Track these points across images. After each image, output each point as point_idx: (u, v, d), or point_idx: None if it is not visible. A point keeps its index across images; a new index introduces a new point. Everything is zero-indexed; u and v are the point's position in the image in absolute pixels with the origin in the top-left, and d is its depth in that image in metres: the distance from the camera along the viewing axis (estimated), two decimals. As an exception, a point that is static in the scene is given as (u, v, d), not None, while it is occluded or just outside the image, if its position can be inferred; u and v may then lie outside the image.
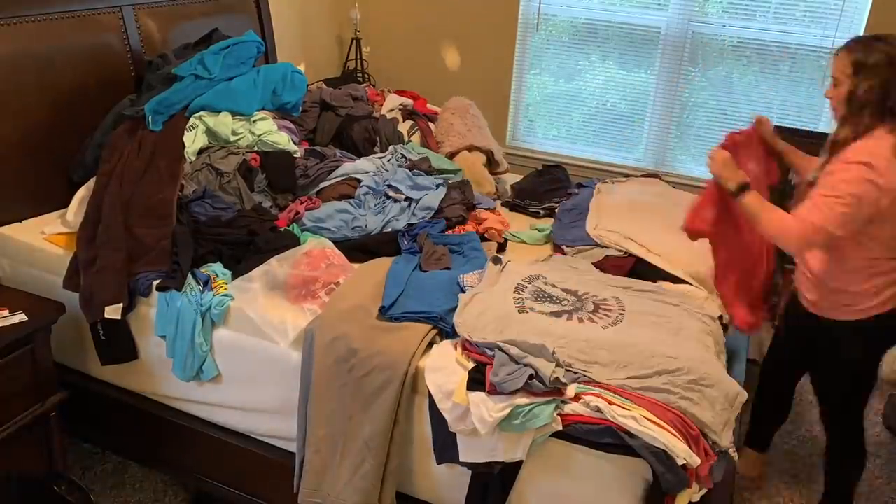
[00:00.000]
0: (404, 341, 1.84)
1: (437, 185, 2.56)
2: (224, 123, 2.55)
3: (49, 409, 2.11)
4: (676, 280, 2.24)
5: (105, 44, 2.64)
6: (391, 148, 2.86)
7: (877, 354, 2.12)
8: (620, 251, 2.36)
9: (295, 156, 2.65)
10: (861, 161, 1.81)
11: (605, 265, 2.29)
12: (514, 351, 1.72)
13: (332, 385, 1.86)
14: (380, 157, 2.75)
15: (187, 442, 2.26)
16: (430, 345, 1.88)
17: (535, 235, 2.58)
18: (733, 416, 1.73)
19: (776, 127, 3.40)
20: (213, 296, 2.03)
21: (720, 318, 2.10)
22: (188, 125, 2.50)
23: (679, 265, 2.27)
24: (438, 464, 1.81)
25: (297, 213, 2.42)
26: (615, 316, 1.95)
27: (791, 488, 2.63)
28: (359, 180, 2.58)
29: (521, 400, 1.62)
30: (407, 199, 2.47)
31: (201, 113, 2.54)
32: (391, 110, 3.30)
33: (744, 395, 1.75)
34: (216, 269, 2.14)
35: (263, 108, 2.75)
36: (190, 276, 2.11)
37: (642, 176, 3.16)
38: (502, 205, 2.96)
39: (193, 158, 2.46)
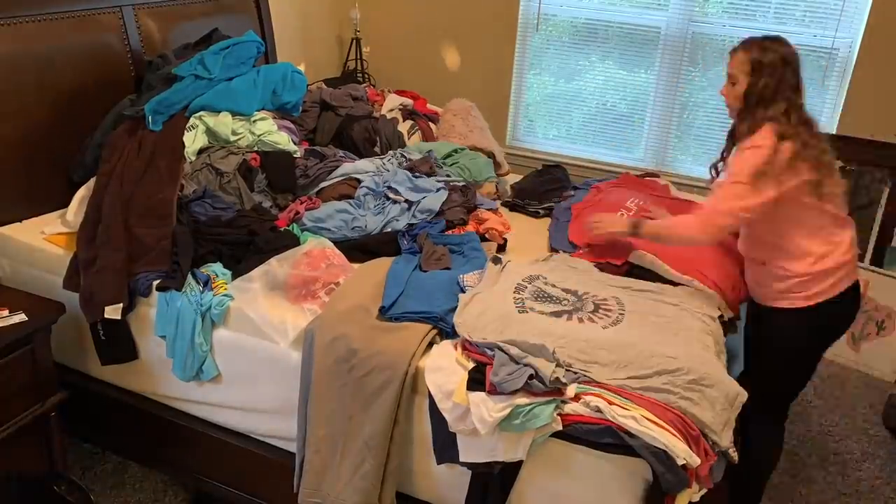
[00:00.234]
0: (404, 341, 1.84)
1: (438, 189, 2.56)
2: (224, 123, 2.55)
3: (49, 409, 2.11)
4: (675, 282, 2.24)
5: (105, 44, 2.64)
6: (392, 152, 2.86)
7: (814, 346, 2.16)
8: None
9: (295, 156, 2.65)
10: (752, 146, 1.97)
11: (604, 265, 2.29)
12: (514, 351, 1.72)
13: (332, 385, 1.86)
14: (380, 158, 2.75)
15: (187, 442, 2.26)
16: (431, 345, 1.88)
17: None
18: (733, 415, 1.73)
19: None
20: (213, 296, 2.03)
21: (720, 317, 2.10)
22: (188, 125, 2.50)
23: (676, 266, 2.27)
24: (438, 464, 1.81)
25: (297, 213, 2.42)
26: (615, 316, 1.95)
27: (791, 488, 2.63)
28: (359, 180, 2.58)
29: (522, 400, 1.63)
30: (406, 201, 2.47)
31: (201, 113, 2.54)
32: (391, 110, 3.30)
33: (744, 395, 1.75)
34: (216, 269, 2.14)
35: (263, 108, 2.75)
36: (190, 276, 2.11)
37: (642, 175, 3.16)
38: (502, 205, 2.97)
39: (193, 158, 2.46)
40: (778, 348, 2.14)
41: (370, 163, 2.66)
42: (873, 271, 3.36)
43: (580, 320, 1.91)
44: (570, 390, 1.66)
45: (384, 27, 4.39)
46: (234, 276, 2.11)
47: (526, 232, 2.68)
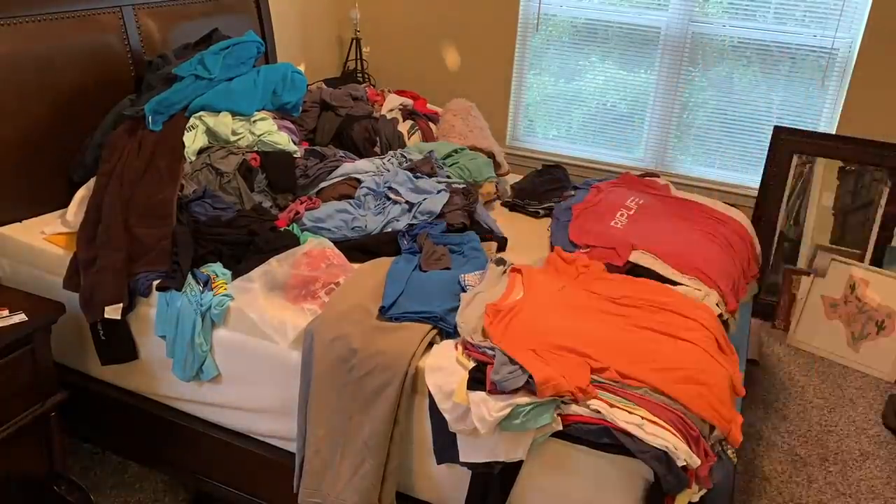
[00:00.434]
0: (404, 341, 1.84)
1: (439, 191, 2.55)
2: (224, 123, 2.56)
3: (49, 409, 2.11)
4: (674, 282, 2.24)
5: (105, 44, 2.64)
6: (391, 153, 2.85)
7: None
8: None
9: (295, 156, 2.65)
10: None
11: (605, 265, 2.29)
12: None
13: (332, 385, 1.86)
14: (380, 158, 2.75)
15: (187, 442, 2.26)
16: (431, 345, 1.88)
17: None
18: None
19: (776, 127, 3.42)
20: (213, 296, 2.03)
21: (719, 315, 2.10)
22: (188, 125, 2.50)
23: (676, 267, 2.28)
24: (438, 464, 1.81)
25: (297, 213, 2.41)
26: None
27: (791, 487, 2.63)
28: (359, 180, 2.58)
29: (522, 399, 1.62)
30: (407, 202, 2.47)
31: (201, 113, 2.54)
32: (391, 110, 3.30)
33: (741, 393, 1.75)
34: (216, 269, 2.14)
35: (263, 109, 2.75)
36: (190, 276, 2.11)
37: (642, 175, 3.16)
38: (502, 205, 2.97)
39: (193, 158, 2.46)
40: None
41: (370, 163, 2.66)
42: (873, 271, 3.36)
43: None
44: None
45: (384, 27, 4.39)
46: (234, 276, 2.11)
47: (526, 232, 2.68)
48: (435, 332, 1.91)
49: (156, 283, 2.11)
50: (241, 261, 2.15)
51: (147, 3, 2.79)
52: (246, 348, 2.03)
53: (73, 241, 2.24)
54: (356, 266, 2.18)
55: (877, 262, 3.44)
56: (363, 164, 2.65)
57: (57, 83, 2.46)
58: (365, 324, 1.89)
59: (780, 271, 3.55)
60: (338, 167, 2.62)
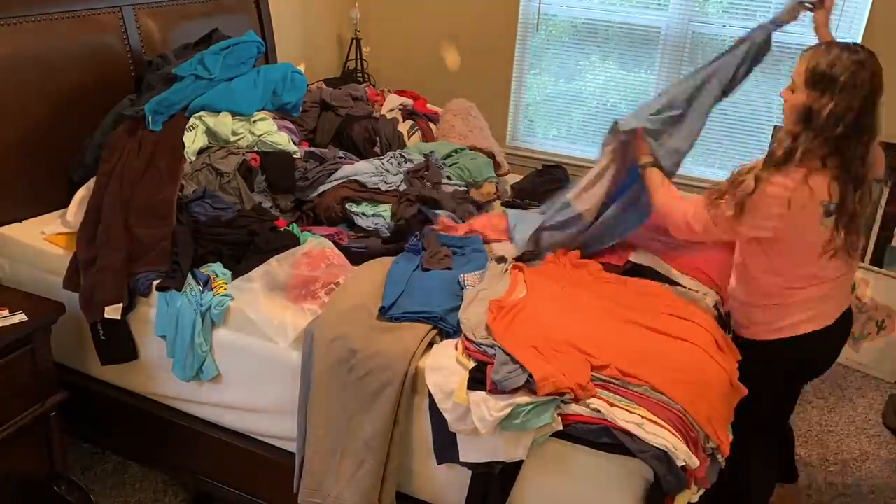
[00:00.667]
0: (404, 341, 1.84)
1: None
2: (224, 123, 2.55)
3: (49, 409, 2.11)
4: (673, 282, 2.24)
5: (105, 44, 2.64)
6: (390, 153, 2.83)
7: (775, 387, 2.03)
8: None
9: (295, 156, 2.65)
10: (773, 184, 1.78)
11: (605, 265, 2.28)
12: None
13: (332, 385, 1.86)
14: (380, 159, 2.75)
15: (187, 442, 2.26)
16: (431, 345, 1.88)
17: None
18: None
19: (776, 127, 3.41)
20: (213, 296, 2.03)
21: (718, 315, 2.10)
22: (188, 125, 2.50)
23: (675, 266, 2.28)
24: (439, 464, 1.81)
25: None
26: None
27: (791, 488, 2.63)
28: (359, 182, 2.56)
29: (522, 399, 1.62)
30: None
31: (201, 113, 2.54)
32: (391, 110, 3.30)
33: (743, 391, 1.75)
34: (216, 269, 2.14)
35: (263, 109, 2.75)
36: (190, 276, 2.11)
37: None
38: (502, 205, 2.97)
39: (193, 158, 2.46)
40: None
41: (370, 164, 2.65)
42: (873, 271, 3.36)
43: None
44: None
45: (384, 27, 4.39)
46: (234, 276, 2.11)
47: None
48: (435, 332, 1.91)
49: (156, 283, 2.11)
50: (241, 261, 2.15)
51: (147, 3, 2.79)
52: (246, 348, 2.03)
53: (73, 241, 2.24)
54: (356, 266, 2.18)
55: (877, 262, 3.44)
56: (363, 165, 2.64)
57: (57, 83, 2.46)
58: (365, 324, 1.89)
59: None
60: (337, 169, 2.60)
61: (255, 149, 2.60)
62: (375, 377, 1.81)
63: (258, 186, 2.50)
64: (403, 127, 3.20)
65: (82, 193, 2.38)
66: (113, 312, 2.07)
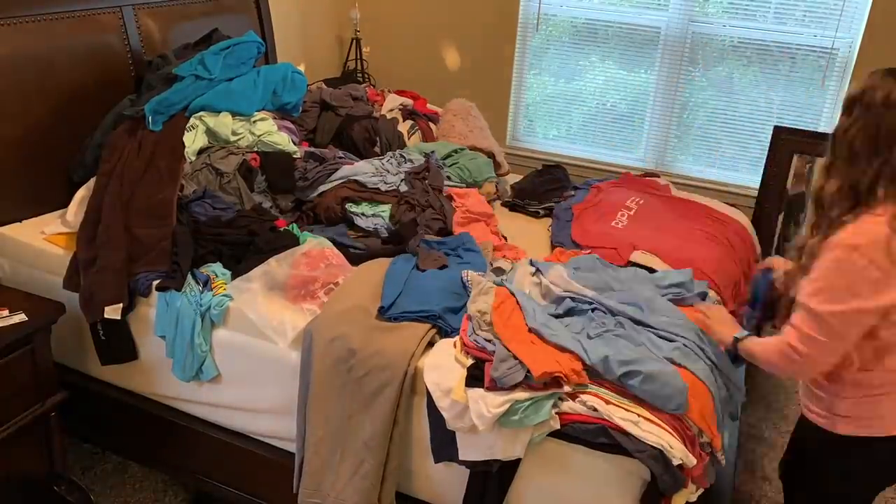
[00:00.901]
0: (403, 341, 1.84)
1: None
2: (224, 124, 2.56)
3: (49, 409, 2.11)
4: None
5: (105, 44, 2.64)
6: (390, 153, 2.84)
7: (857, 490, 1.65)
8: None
9: (294, 156, 2.65)
10: (844, 244, 1.44)
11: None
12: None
13: (332, 385, 1.86)
14: (379, 159, 2.75)
15: (187, 442, 2.26)
16: (431, 344, 1.88)
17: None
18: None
19: (776, 127, 3.41)
20: (213, 296, 2.03)
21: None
22: (188, 125, 2.50)
23: (675, 267, 2.28)
24: (436, 462, 1.81)
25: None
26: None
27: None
28: (359, 182, 2.56)
29: (521, 395, 1.63)
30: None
31: (201, 113, 2.54)
32: (391, 110, 3.30)
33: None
34: (216, 269, 2.14)
35: (264, 109, 2.75)
36: (190, 277, 2.11)
37: (641, 175, 3.16)
38: (502, 205, 2.97)
39: (193, 158, 2.46)
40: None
41: (369, 164, 2.65)
42: None
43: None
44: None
45: (384, 27, 4.39)
46: (234, 277, 2.11)
47: (526, 232, 2.68)
48: (434, 331, 1.91)
49: (156, 283, 2.11)
50: (241, 261, 2.15)
51: (147, 3, 2.79)
52: (245, 348, 2.03)
53: (73, 241, 2.24)
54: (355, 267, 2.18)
55: (877, 262, 3.43)
56: (362, 165, 2.64)
57: (57, 83, 2.46)
58: (364, 324, 1.89)
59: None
60: (337, 169, 2.61)
61: (255, 149, 2.60)
62: (375, 377, 1.81)
63: (258, 186, 2.50)
64: (403, 127, 3.20)
65: (82, 193, 2.38)
66: (113, 312, 2.07)
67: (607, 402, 1.64)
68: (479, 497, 1.77)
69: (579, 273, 2.12)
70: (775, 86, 3.72)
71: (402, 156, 2.77)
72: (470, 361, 1.75)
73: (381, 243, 2.36)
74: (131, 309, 2.14)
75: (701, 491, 1.65)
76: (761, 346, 1.62)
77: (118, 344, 2.17)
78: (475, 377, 1.70)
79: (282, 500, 2.10)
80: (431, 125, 3.34)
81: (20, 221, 2.41)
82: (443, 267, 2.14)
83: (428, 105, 3.52)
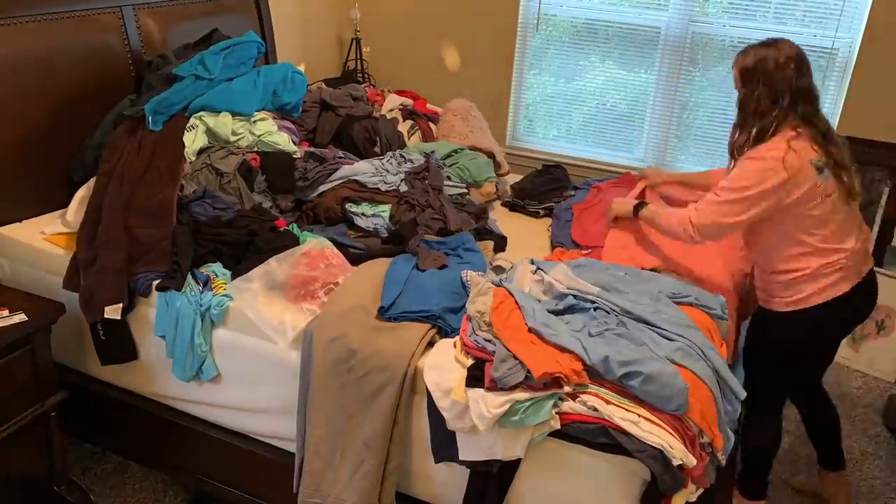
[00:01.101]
0: (403, 341, 1.84)
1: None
2: (224, 124, 2.56)
3: (49, 409, 2.12)
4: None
5: (105, 44, 2.64)
6: (390, 154, 2.82)
7: (803, 348, 2.14)
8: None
9: (294, 156, 2.65)
10: (753, 156, 1.97)
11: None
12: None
13: (332, 385, 1.86)
14: (379, 159, 2.74)
15: (187, 442, 2.26)
16: (431, 344, 1.88)
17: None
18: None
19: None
20: (213, 296, 2.03)
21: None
22: (188, 125, 2.50)
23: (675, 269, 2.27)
24: (436, 462, 1.81)
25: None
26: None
27: (791, 489, 2.63)
28: (359, 182, 2.56)
29: (521, 395, 1.63)
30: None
31: (201, 113, 2.54)
32: (391, 110, 3.30)
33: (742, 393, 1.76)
34: (216, 269, 2.14)
35: (264, 109, 2.75)
36: (189, 277, 2.11)
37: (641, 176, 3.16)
38: (502, 205, 2.97)
39: (193, 158, 2.46)
40: (762, 350, 2.20)
41: (369, 164, 2.65)
42: (873, 271, 3.35)
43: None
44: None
45: (384, 27, 4.39)
46: (234, 277, 2.11)
47: (526, 232, 2.68)
48: (434, 331, 1.91)
49: (156, 283, 2.11)
50: (241, 261, 2.15)
51: (147, 3, 2.79)
52: (245, 348, 2.03)
53: (73, 241, 2.24)
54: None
55: (877, 262, 3.43)
56: (362, 165, 2.64)
57: (57, 83, 2.46)
58: (364, 324, 1.89)
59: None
60: (337, 169, 2.60)
61: (255, 149, 2.60)
62: (375, 377, 1.81)
63: (258, 186, 2.50)
64: (403, 127, 3.20)
65: (82, 193, 2.38)
66: (113, 312, 2.07)
67: (608, 402, 1.63)
68: (479, 497, 1.77)
69: (583, 270, 2.12)
70: (775, 86, 3.72)
71: (402, 156, 2.77)
72: (470, 361, 1.75)
73: (381, 243, 2.36)
74: (131, 309, 2.14)
75: (701, 491, 1.64)
76: (664, 215, 2.18)
77: (118, 344, 2.17)
78: (475, 377, 1.70)
79: (282, 500, 2.10)
80: (431, 125, 3.33)
81: (20, 221, 2.41)
82: (443, 267, 2.14)
83: (428, 105, 3.52)
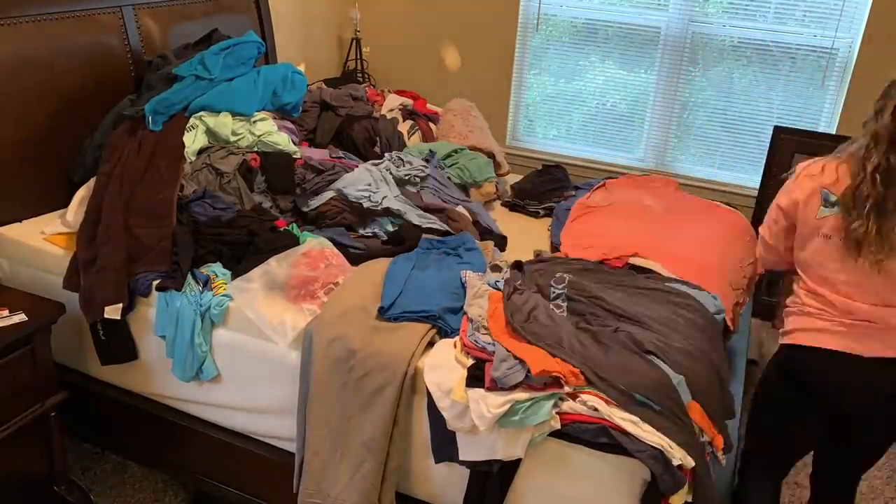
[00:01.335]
0: (403, 341, 1.84)
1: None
2: (224, 124, 2.56)
3: (49, 409, 2.12)
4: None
5: (105, 44, 2.64)
6: (388, 155, 2.77)
7: (772, 391, 1.92)
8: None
9: (295, 156, 2.65)
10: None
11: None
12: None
13: (332, 386, 1.86)
14: (377, 164, 2.67)
15: (187, 442, 2.26)
16: (431, 344, 1.88)
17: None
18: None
19: (776, 127, 3.42)
20: (213, 296, 2.03)
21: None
22: (188, 125, 2.50)
23: (675, 269, 2.28)
24: (437, 462, 1.81)
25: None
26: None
27: (791, 487, 2.63)
28: (345, 196, 2.46)
29: (521, 395, 1.63)
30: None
31: (201, 113, 2.54)
32: (391, 110, 3.30)
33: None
34: (216, 269, 2.14)
35: (263, 109, 2.75)
36: (189, 277, 2.11)
37: (640, 176, 3.16)
38: (502, 205, 2.97)
39: (193, 158, 2.46)
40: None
41: (367, 173, 2.57)
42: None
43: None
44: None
45: (384, 27, 4.39)
46: (234, 277, 2.11)
47: (526, 232, 2.68)
48: (434, 331, 1.91)
49: (156, 283, 2.11)
50: (241, 261, 2.15)
51: (147, 3, 2.79)
52: (245, 348, 2.03)
53: (73, 241, 2.24)
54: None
55: (877, 262, 3.43)
56: (359, 174, 2.55)
57: (57, 83, 2.46)
58: (364, 324, 1.89)
59: (780, 271, 3.55)
60: (334, 181, 2.56)
61: (255, 149, 2.60)
62: (375, 377, 1.81)
63: (258, 187, 2.50)
64: (403, 127, 3.20)
65: (82, 193, 2.38)
66: (113, 312, 2.07)
67: (608, 402, 1.64)
68: (480, 497, 1.77)
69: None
70: (775, 86, 3.72)
71: (399, 158, 2.73)
72: (470, 361, 1.75)
73: (381, 243, 2.36)
74: (131, 309, 2.14)
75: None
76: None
77: (118, 344, 2.17)
78: (475, 377, 1.70)
79: (282, 500, 2.10)
80: (431, 125, 3.34)
81: (20, 221, 2.41)
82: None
83: (428, 105, 3.53)
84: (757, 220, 3.49)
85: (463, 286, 2.03)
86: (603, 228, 2.52)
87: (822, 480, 2.06)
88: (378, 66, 4.41)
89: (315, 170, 2.60)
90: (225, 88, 2.63)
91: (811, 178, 1.76)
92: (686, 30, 3.79)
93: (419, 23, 4.31)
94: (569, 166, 3.48)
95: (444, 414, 1.71)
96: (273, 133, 2.65)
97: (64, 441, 2.21)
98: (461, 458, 1.74)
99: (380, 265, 2.15)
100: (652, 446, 1.56)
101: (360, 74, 4.28)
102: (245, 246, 2.20)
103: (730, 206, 3.03)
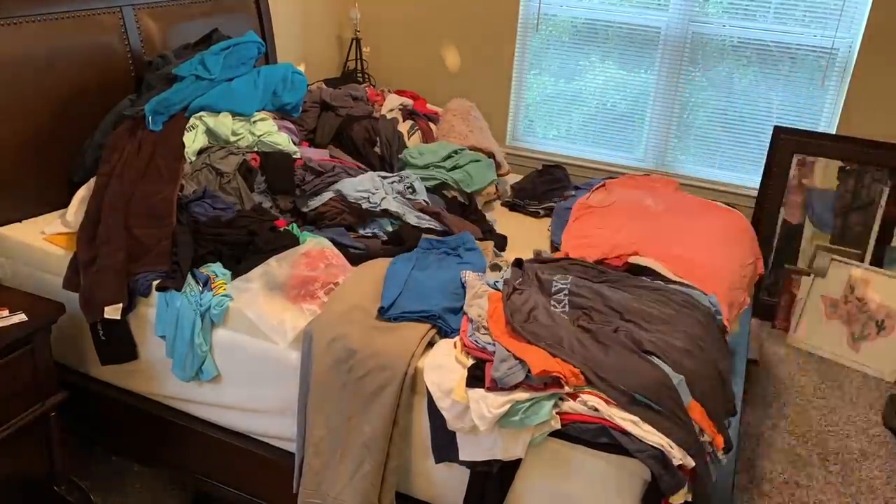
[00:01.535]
0: (403, 341, 1.84)
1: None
2: (224, 124, 2.56)
3: (49, 409, 2.11)
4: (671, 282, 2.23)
5: (105, 44, 2.64)
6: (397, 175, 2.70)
7: None
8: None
9: (295, 156, 2.65)
10: None
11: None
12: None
13: (332, 386, 1.86)
14: (385, 177, 2.63)
15: (187, 442, 2.26)
16: (431, 344, 1.88)
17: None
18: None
19: (776, 127, 3.42)
20: (213, 296, 2.03)
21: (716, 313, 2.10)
22: (188, 125, 2.50)
23: (675, 269, 2.27)
24: (437, 463, 1.81)
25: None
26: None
27: (791, 487, 2.63)
28: (344, 196, 2.46)
29: (521, 395, 1.63)
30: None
31: (201, 113, 2.54)
32: (391, 110, 3.30)
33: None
34: (216, 269, 2.14)
35: (264, 109, 2.75)
36: (189, 277, 2.11)
37: (641, 176, 3.16)
38: (502, 205, 2.97)
39: (193, 158, 2.46)
40: None
41: (371, 182, 2.55)
42: (873, 271, 3.36)
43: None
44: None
45: (384, 27, 4.39)
46: (234, 277, 2.11)
47: (526, 232, 2.68)
48: (434, 331, 1.91)
49: (156, 283, 2.11)
50: (241, 261, 2.15)
51: (147, 3, 2.79)
52: (245, 348, 2.03)
53: (73, 241, 2.24)
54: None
55: (877, 262, 3.44)
56: (362, 181, 2.55)
57: (57, 83, 2.46)
58: (364, 324, 1.89)
59: (780, 271, 3.55)
60: (333, 183, 2.55)
61: (255, 149, 2.60)
62: (374, 377, 1.81)
63: (258, 187, 2.50)
64: (403, 127, 3.20)
65: (82, 193, 2.38)
66: (113, 312, 2.07)
67: (608, 402, 1.64)
68: (480, 497, 1.77)
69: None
70: (775, 86, 3.72)
71: (410, 186, 2.63)
72: (470, 362, 1.75)
73: (380, 243, 2.36)
74: (131, 309, 2.14)
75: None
76: None
77: (118, 344, 2.17)
78: (476, 377, 1.70)
79: (282, 500, 2.10)
80: (431, 125, 3.34)
81: (20, 221, 2.41)
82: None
83: (428, 105, 3.52)
84: (757, 220, 3.51)
85: (463, 286, 2.03)
86: (603, 228, 2.52)
87: None
88: (378, 66, 4.42)
89: (314, 171, 2.60)
90: (225, 88, 2.63)
91: None
92: (686, 30, 3.79)
93: (419, 23, 4.32)
94: (569, 166, 3.48)
95: (445, 414, 1.71)
96: (273, 133, 2.65)
97: (64, 441, 2.21)
98: (461, 458, 1.74)
99: (380, 265, 2.15)
100: (652, 446, 1.56)
101: (360, 74, 4.28)
102: (245, 246, 2.20)
103: (730, 206, 3.03)
